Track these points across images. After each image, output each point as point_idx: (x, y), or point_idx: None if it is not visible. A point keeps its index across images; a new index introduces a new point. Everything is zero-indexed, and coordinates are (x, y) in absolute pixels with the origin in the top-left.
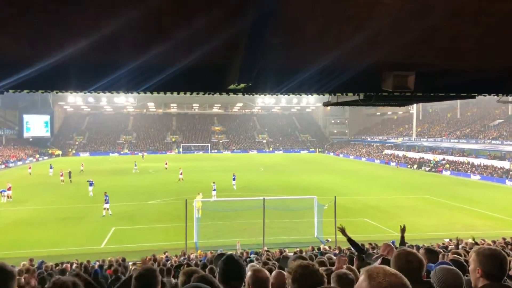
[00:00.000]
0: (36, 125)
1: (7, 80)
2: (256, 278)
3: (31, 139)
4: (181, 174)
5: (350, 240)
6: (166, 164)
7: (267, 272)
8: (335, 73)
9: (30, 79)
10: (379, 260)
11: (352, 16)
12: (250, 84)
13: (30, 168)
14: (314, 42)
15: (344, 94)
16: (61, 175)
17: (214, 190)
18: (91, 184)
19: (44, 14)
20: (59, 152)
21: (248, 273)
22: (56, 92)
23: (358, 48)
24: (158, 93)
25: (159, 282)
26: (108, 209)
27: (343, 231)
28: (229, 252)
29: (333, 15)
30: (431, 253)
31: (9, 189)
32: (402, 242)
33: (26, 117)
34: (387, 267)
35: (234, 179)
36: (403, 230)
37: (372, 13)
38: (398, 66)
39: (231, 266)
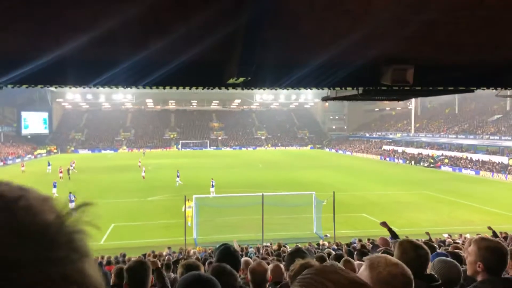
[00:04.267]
0: (34, 122)
1: (7, 75)
2: (255, 271)
3: (29, 136)
4: (144, 171)
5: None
6: (139, 162)
7: (266, 265)
8: (334, 68)
9: (30, 74)
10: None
11: (350, 10)
12: (249, 79)
13: (23, 166)
14: (313, 36)
15: (343, 88)
16: (60, 172)
17: (213, 186)
18: (55, 186)
19: (45, 10)
20: (51, 148)
21: (249, 267)
22: (56, 87)
23: (356, 42)
24: (157, 87)
25: (150, 276)
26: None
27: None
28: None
29: (331, 9)
30: (428, 247)
31: None
32: (394, 234)
33: (24, 114)
34: (388, 257)
35: (178, 176)
36: (384, 224)
37: (369, 7)
38: (397, 60)
39: (226, 256)
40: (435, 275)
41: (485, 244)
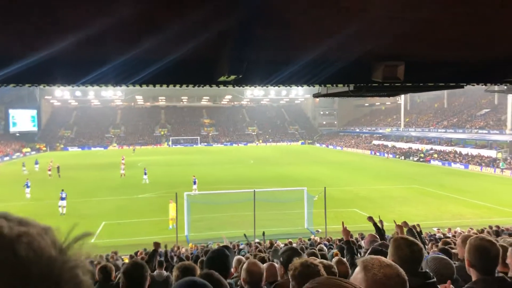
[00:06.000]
0: (22, 119)
1: None
2: (251, 271)
3: (18, 134)
4: (122, 170)
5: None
6: (123, 159)
7: (261, 265)
8: (326, 64)
9: (19, 73)
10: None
11: (346, 7)
12: (240, 76)
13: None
14: (306, 33)
15: (334, 85)
16: (49, 170)
17: (195, 184)
18: (28, 186)
19: (36, 9)
20: (40, 146)
21: (244, 266)
22: (44, 86)
23: (349, 39)
24: (147, 86)
25: (147, 277)
26: (64, 206)
27: (371, 219)
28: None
29: (327, 6)
30: (415, 234)
31: None
32: (378, 230)
33: (12, 112)
34: (382, 258)
35: (145, 174)
36: (370, 218)
37: (366, 4)
38: (388, 56)
39: (217, 259)
40: (430, 273)
41: (474, 244)
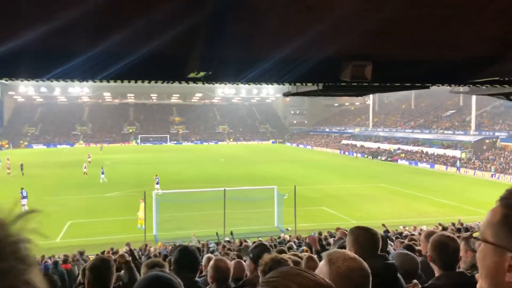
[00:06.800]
0: None
1: None
2: (218, 267)
3: None
4: (85, 168)
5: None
6: (89, 157)
7: (228, 261)
8: (295, 63)
9: None
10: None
11: (313, 6)
12: (210, 73)
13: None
14: (274, 32)
15: (304, 84)
16: (8, 168)
17: (158, 183)
18: None
19: (2, 2)
20: (2, 143)
21: (210, 262)
22: (6, 81)
23: (317, 38)
24: (115, 81)
25: (114, 273)
26: (24, 205)
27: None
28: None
29: (293, 5)
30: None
31: None
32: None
33: None
34: (347, 252)
35: (102, 173)
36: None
37: (333, 3)
38: (356, 56)
39: (185, 257)
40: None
41: (434, 240)
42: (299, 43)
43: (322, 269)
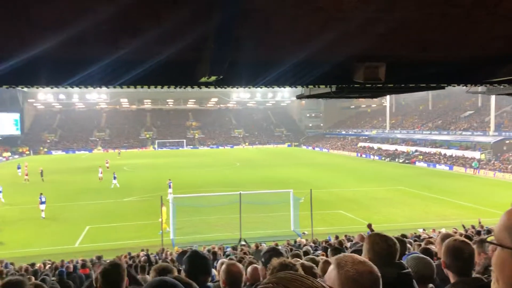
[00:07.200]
0: (5, 123)
1: None
2: (230, 272)
3: (0, 138)
4: (101, 173)
5: None
6: (107, 162)
7: (240, 266)
8: (308, 66)
9: (1, 75)
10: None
11: (322, 7)
12: (221, 77)
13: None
14: (284, 34)
15: (317, 86)
16: (26, 174)
17: (170, 187)
18: None
19: (14, 10)
20: (23, 149)
21: (222, 267)
22: (22, 88)
23: (329, 40)
24: (128, 87)
25: (124, 278)
26: (43, 210)
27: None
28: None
29: (302, 7)
30: (399, 243)
31: None
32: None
33: None
34: (356, 256)
35: (114, 178)
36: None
37: (342, 4)
38: (369, 57)
39: (196, 261)
40: (404, 263)
41: (448, 245)
42: (311, 45)
43: (331, 273)
